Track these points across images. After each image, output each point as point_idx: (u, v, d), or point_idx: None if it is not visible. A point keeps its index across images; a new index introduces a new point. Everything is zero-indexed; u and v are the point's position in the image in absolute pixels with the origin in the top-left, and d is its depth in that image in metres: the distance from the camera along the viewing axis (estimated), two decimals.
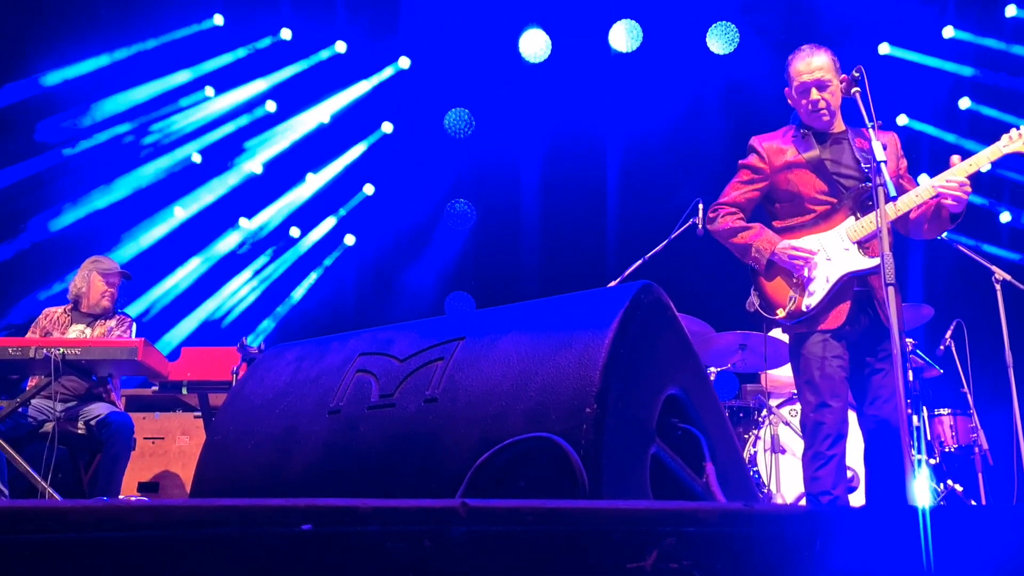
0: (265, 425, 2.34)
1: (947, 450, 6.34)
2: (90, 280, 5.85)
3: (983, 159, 3.80)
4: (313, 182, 9.61)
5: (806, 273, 3.91)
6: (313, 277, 9.65)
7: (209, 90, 9.29)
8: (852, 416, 4.04)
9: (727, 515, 1.20)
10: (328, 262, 9.69)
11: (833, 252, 3.89)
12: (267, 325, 9.42)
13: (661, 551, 1.14)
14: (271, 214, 9.52)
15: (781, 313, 3.96)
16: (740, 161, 4.20)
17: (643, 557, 1.14)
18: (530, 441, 1.82)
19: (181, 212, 9.19)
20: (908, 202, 3.79)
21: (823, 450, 3.75)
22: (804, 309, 3.88)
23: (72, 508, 1.07)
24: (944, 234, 4.73)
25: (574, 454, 1.74)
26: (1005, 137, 3.83)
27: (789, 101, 4.13)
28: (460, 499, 1.15)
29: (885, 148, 3.59)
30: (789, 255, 3.91)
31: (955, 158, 3.82)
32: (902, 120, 8.80)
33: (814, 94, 3.96)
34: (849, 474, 4.12)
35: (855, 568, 1.26)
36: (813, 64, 3.99)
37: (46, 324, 5.82)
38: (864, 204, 3.90)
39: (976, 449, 6.20)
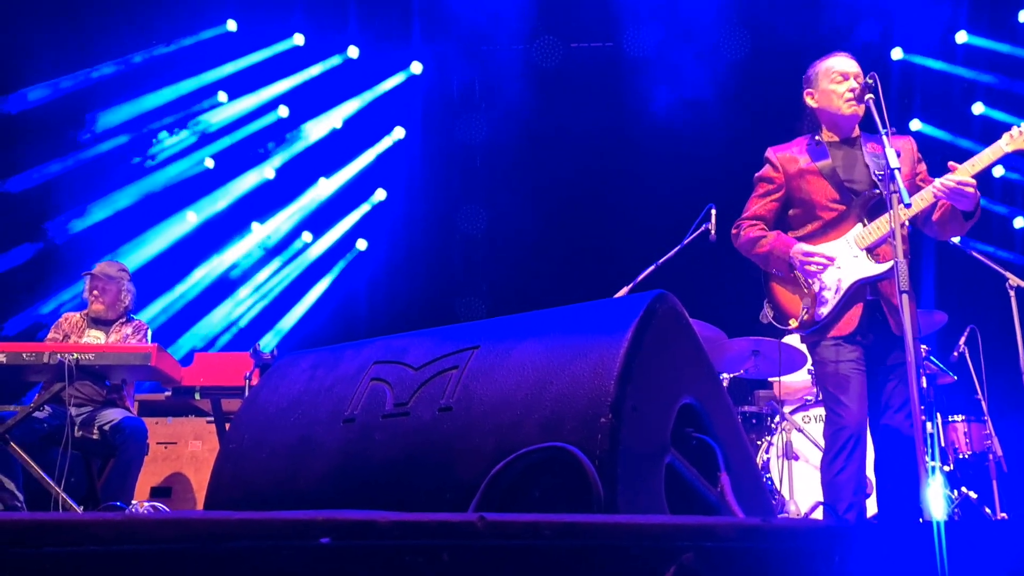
0: (280, 434, 2.35)
1: (961, 457, 6.31)
2: (85, 286, 5.95)
3: (984, 159, 3.80)
4: (325, 187, 9.64)
5: (818, 282, 3.91)
6: (325, 282, 9.67)
7: (222, 95, 9.33)
8: None
9: (745, 530, 1.20)
10: (340, 267, 9.71)
11: (842, 260, 3.90)
12: (280, 330, 9.44)
13: (679, 566, 1.14)
14: (284, 219, 9.55)
15: (793, 323, 3.99)
16: (756, 175, 4.23)
17: (661, 572, 1.14)
18: (545, 451, 1.82)
19: (194, 217, 9.22)
20: (914, 207, 3.79)
21: (842, 455, 3.74)
22: (816, 319, 3.90)
23: (93, 521, 1.07)
24: (956, 239, 4.76)
25: (589, 464, 1.74)
26: (1006, 136, 3.83)
27: (811, 101, 4.13)
28: (478, 513, 1.15)
29: (899, 154, 3.58)
30: (801, 260, 3.91)
31: (952, 165, 3.82)
32: (915, 125, 8.78)
33: (852, 82, 3.98)
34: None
35: None
36: (850, 62, 4.07)
37: (66, 327, 5.87)
38: (872, 211, 3.90)
39: (990, 456, 6.17)
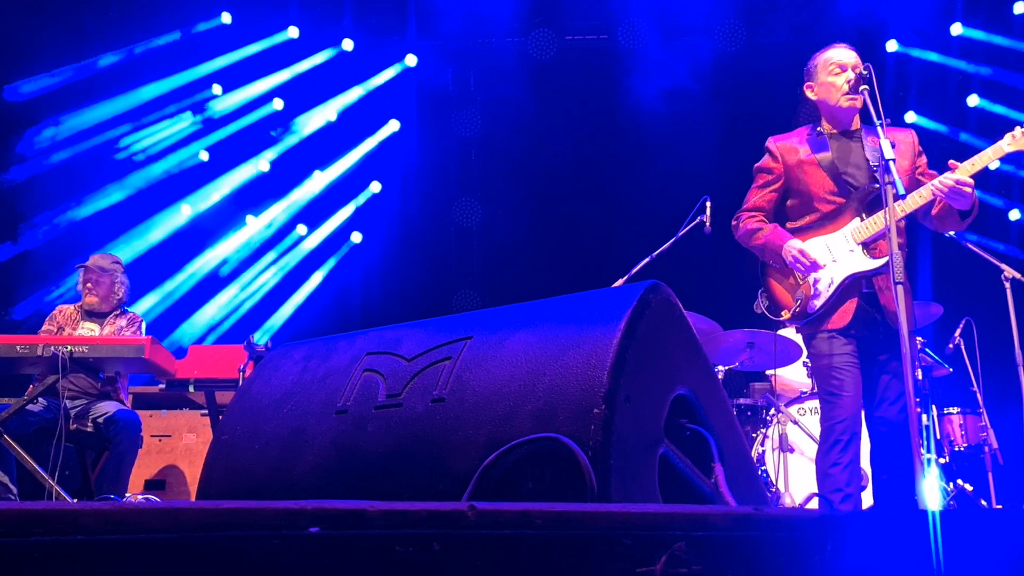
0: (273, 425, 2.34)
1: (957, 449, 6.32)
2: (79, 279, 5.93)
3: (985, 159, 3.81)
4: (320, 179, 9.62)
5: (810, 276, 3.92)
6: (320, 275, 9.66)
7: (217, 88, 9.30)
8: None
9: (737, 519, 1.20)
10: (335, 260, 9.70)
11: (838, 254, 3.90)
12: (274, 323, 9.43)
13: (671, 556, 1.13)
14: (278, 212, 9.53)
15: (786, 315, 4.00)
16: (755, 165, 4.22)
17: (653, 561, 1.13)
18: (538, 442, 1.81)
19: (188, 210, 9.20)
20: (912, 203, 3.80)
21: (836, 447, 3.74)
22: (809, 311, 3.91)
23: (82, 510, 1.06)
24: (951, 233, 4.78)
25: (582, 455, 1.73)
26: (1008, 136, 3.84)
27: (811, 94, 4.13)
28: (469, 502, 1.14)
29: (894, 146, 3.58)
30: (793, 256, 3.92)
31: (952, 164, 3.82)
32: (910, 117, 8.78)
33: (850, 73, 3.97)
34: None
35: (866, 571, 1.26)
36: (849, 53, 4.07)
37: (61, 320, 5.85)
38: (870, 205, 3.91)
39: (986, 448, 6.18)
